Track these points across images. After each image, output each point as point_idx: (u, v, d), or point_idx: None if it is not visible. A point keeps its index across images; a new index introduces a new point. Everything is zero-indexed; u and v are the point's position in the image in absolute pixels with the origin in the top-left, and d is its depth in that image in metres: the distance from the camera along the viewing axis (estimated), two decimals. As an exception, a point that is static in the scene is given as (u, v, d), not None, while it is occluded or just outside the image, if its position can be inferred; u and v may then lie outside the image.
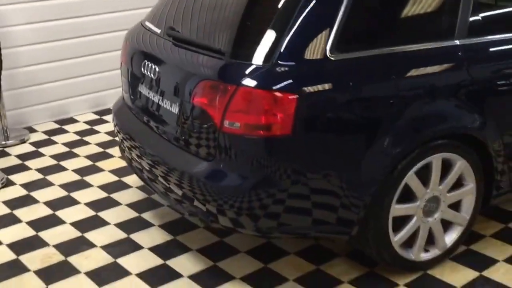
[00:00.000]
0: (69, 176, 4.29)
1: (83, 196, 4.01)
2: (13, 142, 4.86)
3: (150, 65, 3.12)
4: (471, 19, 2.96)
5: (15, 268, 3.27)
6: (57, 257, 3.37)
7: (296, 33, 2.65)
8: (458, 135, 2.97)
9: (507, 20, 3.22)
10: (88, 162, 4.50)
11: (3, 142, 4.84)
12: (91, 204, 3.91)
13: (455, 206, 3.12)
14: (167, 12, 3.33)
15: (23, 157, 4.63)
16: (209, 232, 3.53)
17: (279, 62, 2.63)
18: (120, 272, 3.21)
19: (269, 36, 2.68)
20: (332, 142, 2.71)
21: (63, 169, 4.41)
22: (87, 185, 4.16)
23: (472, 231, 3.38)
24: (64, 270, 3.25)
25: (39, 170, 4.39)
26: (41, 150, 4.74)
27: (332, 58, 2.67)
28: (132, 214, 3.77)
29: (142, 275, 3.18)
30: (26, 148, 4.80)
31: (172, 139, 3.01)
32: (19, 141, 4.89)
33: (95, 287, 3.11)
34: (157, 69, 3.06)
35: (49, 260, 3.33)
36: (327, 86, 2.65)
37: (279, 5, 2.77)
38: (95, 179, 4.24)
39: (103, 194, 4.02)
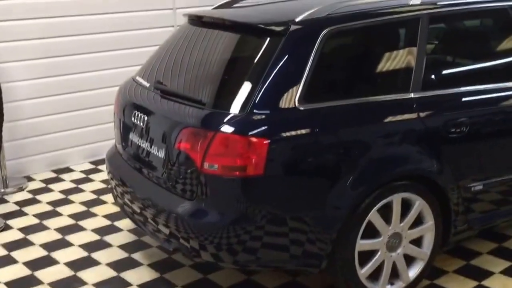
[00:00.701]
0: (64, 221, 4.58)
1: (77, 238, 4.29)
2: (12, 190, 5.16)
3: (140, 115, 3.46)
4: (425, 75, 3.33)
5: (12, 303, 3.52)
6: (52, 293, 3.63)
7: (268, 86, 3.01)
8: (416, 177, 3.28)
9: (458, 76, 3.63)
10: (83, 208, 4.79)
11: (2, 190, 5.14)
12: (84, 246, 4.18)
13: (418, 242, 3.41)
14: (156, 68, 3.70)
15: (21, 203, 4.92)
16: (194, 269, 3.80)
17: (253, 111, 2.98)
18: (110, 306, 3.47)
19: (245, 89, 3.04)
20: (301, 182, 3.03)
21: (59, 214, 4.70)
22: (81, 228, 4.45)
23: (436, 267, 3.66)
24: (58, 304, 3.50)
25: (36, 216, 4.68)
26: (38, 197, 5.04)
27: (300, 108, 3.02)
28: (123, 254, 4.04)
29: (130, 308, 3.44)
30: (24, 195, 5.09)
31: (160, 182, 3.32)
32: (17, 189, 5.19)
33: (86, 319, 3.36)
34: (146, 118, 3.41)
35: (44, 296, 3.59)
36: (295, 132, 3.00)
37: (253, 63, 3.14)
38: (89, 223, 4.52)
39: (96, 237, 4.30)
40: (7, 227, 4.49)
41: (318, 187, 3.05)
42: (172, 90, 3.42)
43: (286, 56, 3.07)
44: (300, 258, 3.12)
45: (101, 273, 3.83)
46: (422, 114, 3.28)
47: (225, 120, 2.97)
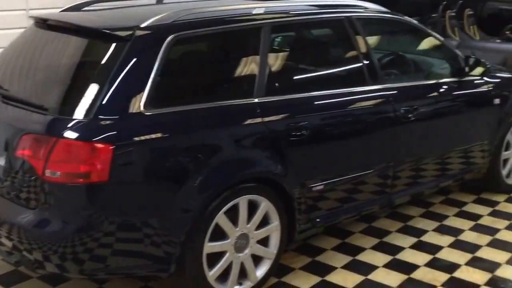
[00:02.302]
0: None
1: None
2: None
3: None
4: (268, 81, 3.47)
5: None
6: None
7: (113, 91, 2.99)
8: (261, 179, 3.40)
9: (300, 82, 3.83)
10: None
11: None
12: None
13: (264, 241, 3.53)
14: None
15: None
16: (42, 281, 3.68)
17: (98, 116, 2.94)
18: None
19: (89, 94, 3.00)
20: (148, 187, 3.04)
21: None
22: None
23: (284, 265, 3.81)
24: None
25: None
26: None
27: (146, 113, 3.03)
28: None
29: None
30: None
31: (3, 192, 3.18)
32: None
33: None
34: None
35: None
36: (141, 137, 3.00)
37: (98, 68, 3.11)
38: None
39: None
40: None
41: (165, 191, 3.08)
42: (13, 95, 3.29)
43: (131, 62, 3.07)
44: (150, 263, 3.13)
45: None
46: (265, 119, 3.40)
47: (68, 125, 2.92)
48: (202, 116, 3.22)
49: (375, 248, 4.12)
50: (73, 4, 3.93)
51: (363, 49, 4.00)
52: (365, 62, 3.99)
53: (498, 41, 9.81)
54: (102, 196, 2.94)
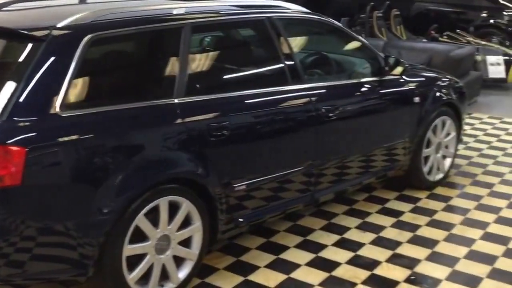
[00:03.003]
0: None
1: None
2: None
3: None
4: (188, 81, 3.46)
5: None
6: None
7: (28, 92, 2.92)
8: (182, 180, 3.38)
9: (220, 83, 3.84)
10: None
11: None
12: None
13: (187, 242, 3.51)
14: None
15: None
16: None
17: (12, 118, 2.86)
18: None
19: (3, 95, 2.91)
20: (64, 190, 2.98)
21: None
22: None
23: (208, 265, 3.81)
24: None
25: None
26: None
27: (62, 115, 2.97)
28: None
29: None
30: None
31: None
32: None
33: None
34: None
35: None
36: (55, 139, 2.94)
37: (13, 69, 3.04)
38: None
39: None
40: None
41: (81, 194, 3.03)
42: None
43: (47, 62, 3.01)
44: (68, 267, 3.07)
45: None
46: (185, 119, 3.39)
47: (-23, 128, 2.83)
48: (121, 117, 3.18)
49: (299, 246, 4.16)
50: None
51: (284, 49, 4.03)
52: (287, 62, 4.02)
53: (424, 40, 10.10)
54: (16, 200, 2.86)
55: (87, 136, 3.04)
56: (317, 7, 6.47)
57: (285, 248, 4.13)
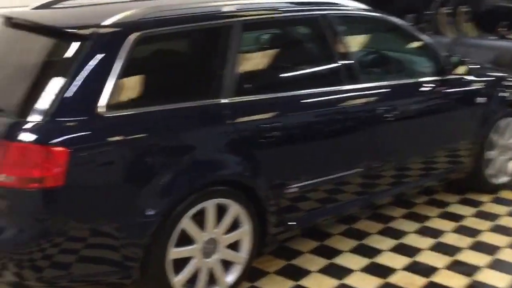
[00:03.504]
0: None
1: None
2: None
3: None
4: (238, 81, 3.37)
5: None
6: None
7: (71, 92, 2.89)
8: (230, 182, 3.30)
9: (272, 82, 3.72)
10: None
11: None
12: None
13: (235, 246, 3.42)
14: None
15: None
16: None
17: (54, 119, 2.84)
18: None
19: (46, 95, 2.90)
20: (108, 191, 2.95)
21: None
22: None
23: (258, 269, 3.72)
24: None
25: None
26: None
27: (106, 115, 2.93)
28: None
29: None
30: None
31: None
32: None
33: None
34: None
35: None
36: (99, 140, 2.91)
37: (57, 68, 3.02)
38: None
39: None
40: None
41: (126, 195, 2.98)
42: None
43: (90, 61, 2.97)
44: (113, 269, 3.03)
45: None
46: (234, 120, 3.30)
47: (23, 128, 2.82)
48: (167, 118, 3.12)
49: (353, 251, 4.02)
50: (46, 1, 3.83)
51: (340, 47, 3.89)
52: (342, 61, 3.88)
53: (492, 38, 9.71)
54: (59, 201, 2.84)
55: (132, 137, 3.00)
56: (383, 3, 6.30)
57: (338, 252, 4.00)
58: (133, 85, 3.12)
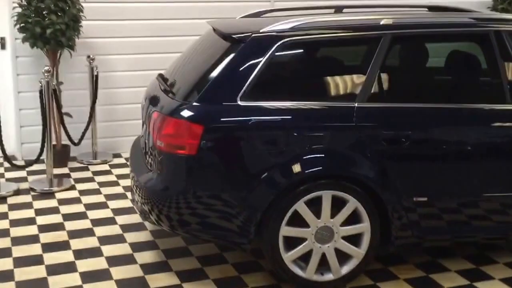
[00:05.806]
0: (117, 190, 5.43)
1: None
2: (97, 162, 6.15)
3: (149, 106, 4.06)
4: (373, 89, 3.64)
5: None
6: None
7: (216, 82, 3.57)
8: (351, 179, 3.57)
9: (404, 92, 3.85)
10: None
11: (90, 160, 6.15)
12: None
13: (356, 241, 3.66)
14: (175, 68, 4.27)
15: (96, 173, 5.86)
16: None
17: (200, 102, 3.53)
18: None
19: (199, 83, 3.64)
20: (231, 166, 3.53)
21: (117, 185, 5.56)
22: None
23: (390, 272, 3.88)
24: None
25: (100, 183, 5.58)
26: (114, 170, 5.94)
27: (241, 104, 3.52)
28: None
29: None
30: (103, 167, 6.03)
31: (146, 163, 3.95)
32: (101, 162, 6.17)
33: None
34: (150, 108, 3.98)
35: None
36: (232, 124, 3.52)
37: (213, 65, 3.68)
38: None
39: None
40: (72, 188, 5.44)
41: (247, 171, 3.51)
42: (164, 86, 3.99)
43: (238, 60, 3.59)
44: (230, 232, 3.57)
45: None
46: (362, 123, 3.57)
47: (175, 107, 3.57)
48: (299, 113, 3.57)
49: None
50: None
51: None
52: (494, 79, 3.82)
53: None
54: (191, 167, 3.51)
55: (259, 125, 3.52)
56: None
57: (489, 277, 3.87)
58: (270, 83, 3.61)
